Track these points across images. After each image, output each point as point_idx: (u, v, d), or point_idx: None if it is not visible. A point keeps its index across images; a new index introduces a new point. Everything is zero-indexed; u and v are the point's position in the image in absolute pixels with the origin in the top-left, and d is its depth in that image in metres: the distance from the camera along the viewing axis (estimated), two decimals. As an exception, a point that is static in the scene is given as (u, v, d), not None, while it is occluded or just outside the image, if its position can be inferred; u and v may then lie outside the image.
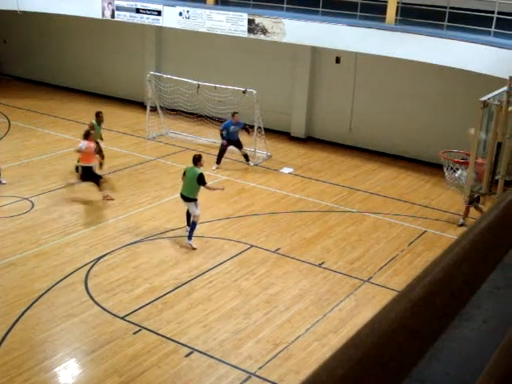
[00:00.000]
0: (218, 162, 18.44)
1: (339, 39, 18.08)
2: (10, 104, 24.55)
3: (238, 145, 18.75)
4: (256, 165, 18.95)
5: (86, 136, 15.43)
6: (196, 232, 13.91)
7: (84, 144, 15.20)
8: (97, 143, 16.14)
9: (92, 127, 16.28)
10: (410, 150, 19.76)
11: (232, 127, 18.40)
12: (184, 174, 13.53)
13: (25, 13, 23.95)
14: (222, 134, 18.55)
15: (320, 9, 18.62)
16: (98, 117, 16.97)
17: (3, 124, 21.89)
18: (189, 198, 13.40)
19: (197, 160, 13.48)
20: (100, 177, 15.69)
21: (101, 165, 16.86)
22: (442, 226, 15.18)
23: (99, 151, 16.39)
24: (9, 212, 14.79)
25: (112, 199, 15.63)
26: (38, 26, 27.66)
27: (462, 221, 15.07)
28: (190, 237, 13.39)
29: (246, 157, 18.93)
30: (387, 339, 1.57)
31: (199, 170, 13.37)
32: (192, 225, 13.47)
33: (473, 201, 14.01)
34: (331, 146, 21.11)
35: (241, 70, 22.40)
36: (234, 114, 18.36)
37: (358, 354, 1.50)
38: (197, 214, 13.40)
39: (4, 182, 16.47)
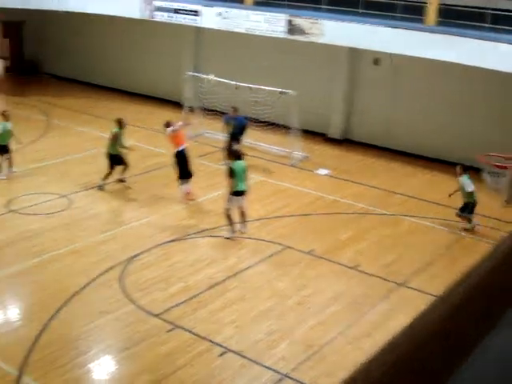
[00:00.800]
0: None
1: (378, 40, 17.95)
2: (49, 102, 24.90)
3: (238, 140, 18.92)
4: (292, 165, 18.90)
5: (168, 125, 16.16)
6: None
7: (169, 129, 15.99)
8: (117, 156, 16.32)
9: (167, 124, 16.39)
10: (448, 154, 19.49)
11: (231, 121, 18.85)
12: (233, 171, 13.51)
13: (66, 13, 24.28)
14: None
15: (359, 10, 18.51)
16: (121, 123, 16.72)
17: (43, 122, 22.23)
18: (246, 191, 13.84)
19: (240, 154, 13.92)
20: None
21: (123, 171, 16.71)
22: (479, 231, 14.94)
23: (122, 162, 16.44)
24: (47, 209, 14.99)
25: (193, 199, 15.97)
26: (77, 26, 28.00)
27: None
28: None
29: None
30: (425, 344, 1.54)
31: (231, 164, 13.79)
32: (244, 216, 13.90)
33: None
34: (368, 147, 20.97)
35: (278, 71, 22.36)
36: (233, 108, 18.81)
37: (393, 358, 1.47)
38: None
39: (15, 170, 16.89)
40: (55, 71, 30.07)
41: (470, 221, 14.79)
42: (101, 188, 16.10)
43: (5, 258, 12.65)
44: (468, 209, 14.75)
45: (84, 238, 13.60)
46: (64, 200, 15.49)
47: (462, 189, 14.81)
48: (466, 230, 14.83)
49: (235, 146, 18.92)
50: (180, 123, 16.41)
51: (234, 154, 13.97)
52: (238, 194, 13.65)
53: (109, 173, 16.14)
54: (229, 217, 13.73)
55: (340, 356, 9.92)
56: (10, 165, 16.86)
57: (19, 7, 25.07)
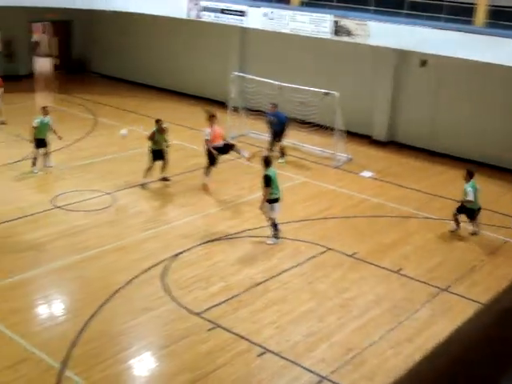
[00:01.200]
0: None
1: (425, 42, 17.75)
2: (96, 101, 25.27)
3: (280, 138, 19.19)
4: (336, 167, 18.81)
5: (212, 117, 16.45)
6: (271, 233, 13.97)
7: (208, 130, 16.23)
8: (160, 151, 16.51)
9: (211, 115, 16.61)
10: (495, 158, 19.17)
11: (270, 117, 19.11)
12: (270, 178, 13.30)
13: (114, 12, 24.62)
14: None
15: (405, 11, 18.33)
16: (158, 123, 16.76)
17: (89, 120, 22.57)
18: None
19: (271, 160, 13.75)
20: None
21: (162, 169, 16.86)
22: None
23: (162, 158, 16.60)
24: (92, 206, 15.20)
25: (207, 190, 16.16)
26: (124, 25, 28.37)
27: None
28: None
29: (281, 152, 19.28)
30: (473, 349, 1.51)
31: (267, 171, 13.46)
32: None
33: None
34: (413, 150, 20.75)
35: (323, 72, 22.28)
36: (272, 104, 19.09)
37: (445, 361, 1.45)
38: None
39: (52, 164, 17.26)
40: (102, 70, 30.53)
41: (457, 224, 14.44)
42: (143, 187, 16.26)
43: (50, 253, 12.87)
44: (468, 213, 14.39)
45: (127, 235, 13.75)
46: (109, 198, 15.69)
47: (464, 194, 14.30)
48: (473, 234, 14.57)
49: (279, 144, 19.03)
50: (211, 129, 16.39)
51: (266, 161, 13.63)
52: (276, 201, 13.47)
53: (148, 168, 16.30)
54: (275, 225, 13.57)
55: (381, 360, 9.83)
56: (47, 159, 17.19)
57: (68, 7, 25.51)
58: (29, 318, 10.73)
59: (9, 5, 25.62)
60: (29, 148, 17.28)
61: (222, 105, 23.26)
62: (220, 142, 16.46)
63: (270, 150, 19.30)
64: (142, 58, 28.47)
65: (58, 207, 15.02)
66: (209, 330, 10.41)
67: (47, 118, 17.10)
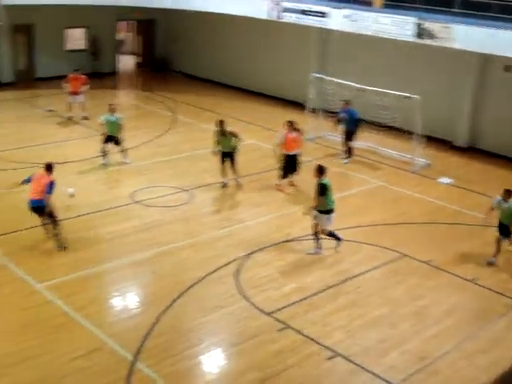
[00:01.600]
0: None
1: (511, 46, 17.21)
2: (176, 99, 25.66)
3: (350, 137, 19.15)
4: (414, 172, 18.49)
5: (291, 125, 16.45)
6: (346, 235, 13.86)
7: (281, 134, 16.26)
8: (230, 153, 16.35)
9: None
10: None
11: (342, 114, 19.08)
12: (326, 187, 12.72)
13: (195, 12, 24.94)
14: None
15: (490, 14, 17.82)
16: (220, 125, 16.30)
17: (169, 117, 22.96)
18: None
19: (326, 169, 12.97)
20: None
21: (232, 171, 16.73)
22: None
23: (230, 160, 16.49)
24: (169, 202, 15.45)
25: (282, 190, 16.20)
26: (206, 26, 28.73)
27: None
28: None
29: (348, 151, 19.23)
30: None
31: (323, 180, 12.82)
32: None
33: None
34: (495, 157, 20.18)
35: (404, 75, 21.94)
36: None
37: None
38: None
39: (128, 161, 17.63)
40: (184, 69, 31.02)
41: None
42: (224, 185, 16.37)
43: (127, 246, 13.15)
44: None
45: (202, 232, 13.90)
46: (185, 194, 15.90)
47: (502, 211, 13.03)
48: None
49: (348, 143, 18.90)
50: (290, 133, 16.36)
51: (320, 169, 12.87)
52: (332, 211, 12.92)
53: (221, 168, 16.40)
54: (332, 234, 13.13)
55: (454, 371, 9.60)
56: (124, 156, 17.55)
57: (151, 6, 26.03)
58: (104, 309, 10.99)
59: (98, 4, 26.38)
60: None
61: (300, 106, 23.22)
62: (292, 151, 16.41)
63: (345, 151, 19.24)
64: (223, 57, 28.74)
65: (136, 202, 15.33)
66: (279, 330, 10.41)
67: (114, 116, 17.41)
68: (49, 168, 12.81)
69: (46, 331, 10.08)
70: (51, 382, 8.93)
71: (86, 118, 21.82)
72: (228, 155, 16.36)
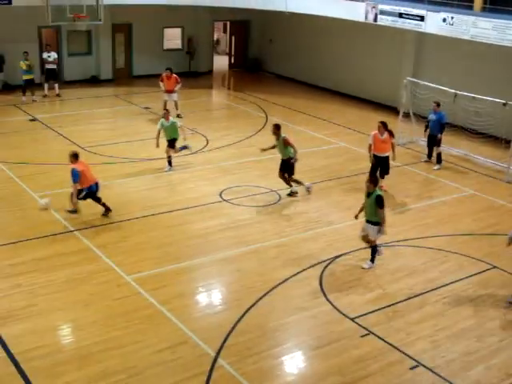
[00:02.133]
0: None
1: None
2: (269, 100, 25.82)
3: (433, 141, 18.77)
4: (508, 182, 17.90)
5: (385, 126, 16.21)
6: (434, 244, 13.60)
7: (371, 135, 16.35)
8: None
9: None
10: None
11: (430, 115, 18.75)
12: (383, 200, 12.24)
13: (291, 14, 25.02)
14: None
15: None
16: (278, 129, 15.78)
17: (261, 118, 23.13)
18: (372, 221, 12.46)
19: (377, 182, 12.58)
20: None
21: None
22: None
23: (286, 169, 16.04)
24: (257, 202, 15.58)
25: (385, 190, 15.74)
26: (301, 27, 28.77)
27: None
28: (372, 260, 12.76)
29: (437, 157, 18.82)
30: None
31: (378, 192, 12.32)
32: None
33: None
34: None
35: (502, 81, 21.28)
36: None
37: None
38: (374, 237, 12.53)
39: (190, 146, 17.73)
40: (277, 70, 31.19)
41: None
42: (291, 194, 16.13)
43: (215, 243, 13.36)
44: None
45: (289, 233, 13.95)
46: (274, 195, 15.98)
47: None
48: None
49: (439, 150, 18.52)
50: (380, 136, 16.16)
51: (375, 181, 12.40)
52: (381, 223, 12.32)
53: (280, 175, 16.01)
54: (376, 248, 12.67)
55: (542, 390, 9.26)
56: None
57: (246, 7, 26.30)
58: (190, 304, 11.21)
59: (194, 4, 26.92)
60: (201, 141, 18.03)
61: (393, 110, 22.92)
62: (382, 153, 16.26)
63: (429, 157, 18.89)
64: (316, 59, 28.71)
65: (225, 200, 15.54)
66: (362, 336, 10.32)
67: (168, 122, 17.23)
68: (74, 156, 13.92)
69: (133, 322, 10.38)
70: (135, 372, 9.18)
71: (179, 116, 22.26)
72: (282, 163, 15.93)
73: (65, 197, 14.27)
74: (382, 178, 16.27)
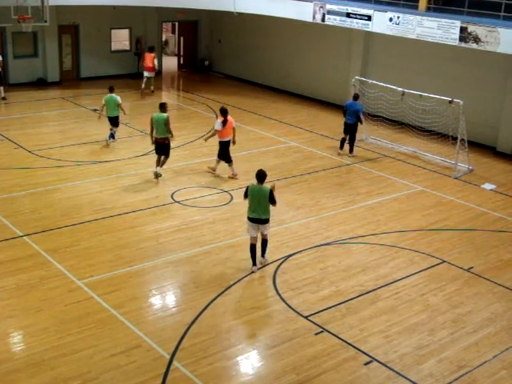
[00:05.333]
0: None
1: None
2: (218, 100, 25.77)
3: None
4: (456, 178, 18.27)
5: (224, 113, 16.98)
6: (385, 240, 13.80)
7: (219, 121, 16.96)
8: None
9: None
10: None
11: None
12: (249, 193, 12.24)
13: (240, 14, 25.04)
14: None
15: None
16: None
17: (211, 119, 23.08)
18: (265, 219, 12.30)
19: (265, 176, 12.25)
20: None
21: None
22: None
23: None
24: (209, 203, 15.55)
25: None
26: (250, 27, 28.83)
27: None
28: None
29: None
30: None
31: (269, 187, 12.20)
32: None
33: None
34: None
35: (447, 79, 21.71)
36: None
37: None
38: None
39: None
40: (226, 70, 31.19)
41: None
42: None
43: (167, 245, 13.27)
44: None
45: (242, 233, 13.94)
46: (225, 195, 15.98)
47: None
48: None
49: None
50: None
51: (262, 175, 12.15)
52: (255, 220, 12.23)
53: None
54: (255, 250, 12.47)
55: (493, 381, 9.46)
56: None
57: (195, 8, 26.24)
58: (143, 307, 11.10)
59: (142, 5, 26.69)
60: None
61: (341, 108, 23.16)
62: (227, 138, 17.07)
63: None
64: (265, 59, 28.80)
65: (177, 202, 15.46)
66: (316, 333, 10.40)
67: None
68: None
69: (86, 327, 10.24)
70: (90, 378, 9.06)
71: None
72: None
73: (12, 202, 13.99)
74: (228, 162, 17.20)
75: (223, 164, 17.22)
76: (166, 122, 16.44)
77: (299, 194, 16.45)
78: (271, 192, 12.06)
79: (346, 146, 19.71)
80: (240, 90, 28.24)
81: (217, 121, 17.21)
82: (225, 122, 16.84)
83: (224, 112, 16.90)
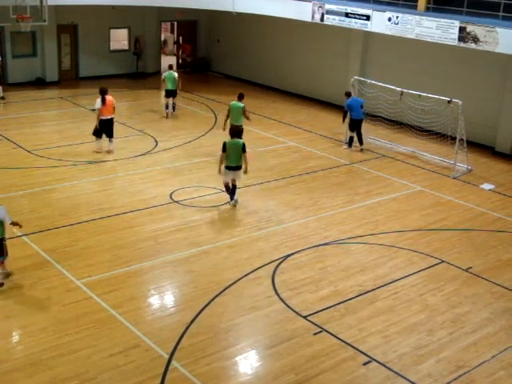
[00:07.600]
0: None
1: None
2: (217, 100, 25.77)
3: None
4: (455, 178, 18.27)
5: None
6: (384, 240, 13.79)
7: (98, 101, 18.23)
8: None
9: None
10: None
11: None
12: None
13: (239, 14, 25.03)
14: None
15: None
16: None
17: (211, 119, 23.08)
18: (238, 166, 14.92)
19: (238, 132, 15.87)
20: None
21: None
22: None
23: None
24: (207, 203, 15.53)
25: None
26: (249, 27, 28.82)
27: None
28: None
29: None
30: None
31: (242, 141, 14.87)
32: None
33: None
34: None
35: (446, 79, 21.71)
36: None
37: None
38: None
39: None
40: (225, 70, 31.16)
41: None
42: None
43: (166, 245, 13.26)
44: None
45: (241, 233, 13.95)
46: (224, 195, 15.94)
47: None
48: None
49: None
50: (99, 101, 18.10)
51: (236, 133, 15.44)
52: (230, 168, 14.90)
53: None
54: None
55: (491, 381, 9.45)
56: None
57: (194, 7, 26.21)
58: (142, 307, 11.08)
59: (141, 4, 26.67)
60: (150, 142, 17.89)
61: (341, 109, 23.13)
62: (107, 116, 18.32)
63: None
64: (264, 59, 28.79)
65: (176, 202, 15.45)
66: (315, 333, 10.38)
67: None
68: None
69: (85, 327, 10.22)
70: (88, 378, 9.04)
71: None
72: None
73: (10, 201, 13.96)
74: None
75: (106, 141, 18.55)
76: (243, 110, 18.46)
77: (298, 193, 16.44)
78: (243, 144, 14.83)
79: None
80: (239, 90, 27.98)
81: (96, 100, 18.39)
82: (103, 100, 18.13)
83: (103, 92, 18.25)
